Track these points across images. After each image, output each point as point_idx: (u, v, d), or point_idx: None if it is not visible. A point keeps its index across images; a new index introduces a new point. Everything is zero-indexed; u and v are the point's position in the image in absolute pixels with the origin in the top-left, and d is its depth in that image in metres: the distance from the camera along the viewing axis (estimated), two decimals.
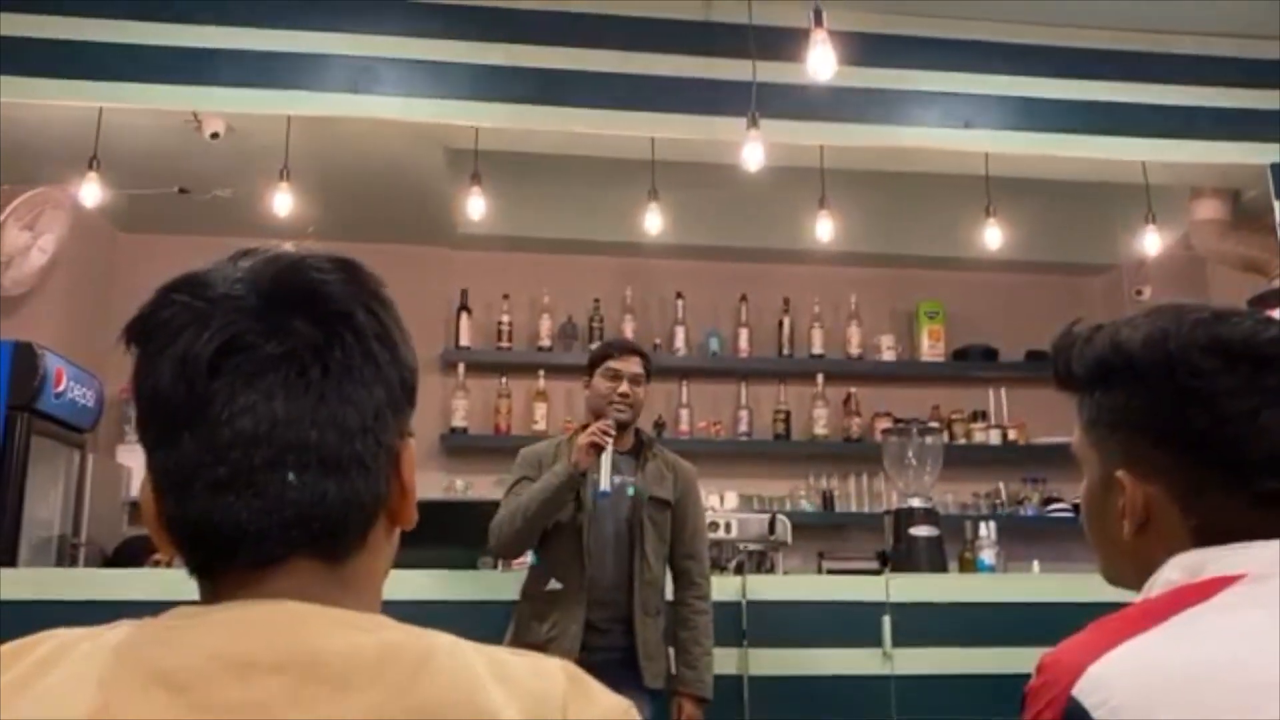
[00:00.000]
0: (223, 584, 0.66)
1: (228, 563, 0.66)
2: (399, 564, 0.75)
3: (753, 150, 3.55)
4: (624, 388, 2.91)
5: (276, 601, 0.64)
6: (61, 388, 3.79)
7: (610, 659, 2.80)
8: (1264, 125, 4.05)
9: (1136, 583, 0.91)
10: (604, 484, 2.79)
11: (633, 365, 2.95)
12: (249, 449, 0.64)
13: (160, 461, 0.66)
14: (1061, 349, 0.99)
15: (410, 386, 0.72)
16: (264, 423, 0.64)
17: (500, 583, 3.27)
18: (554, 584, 2.87)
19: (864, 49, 3.78)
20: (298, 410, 0.65)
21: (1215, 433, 0.87)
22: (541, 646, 2.79)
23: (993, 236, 4.10)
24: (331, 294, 0.68)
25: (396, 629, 0.64)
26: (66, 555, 3.88)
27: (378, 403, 0.68)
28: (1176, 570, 0.87)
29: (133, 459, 4.52)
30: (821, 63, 3.17)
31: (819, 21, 3.16)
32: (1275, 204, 4.03)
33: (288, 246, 0.71)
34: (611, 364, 2.95)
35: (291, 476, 0.64)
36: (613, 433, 2.83)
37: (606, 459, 2.81)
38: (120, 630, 0.64)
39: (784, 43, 3.53)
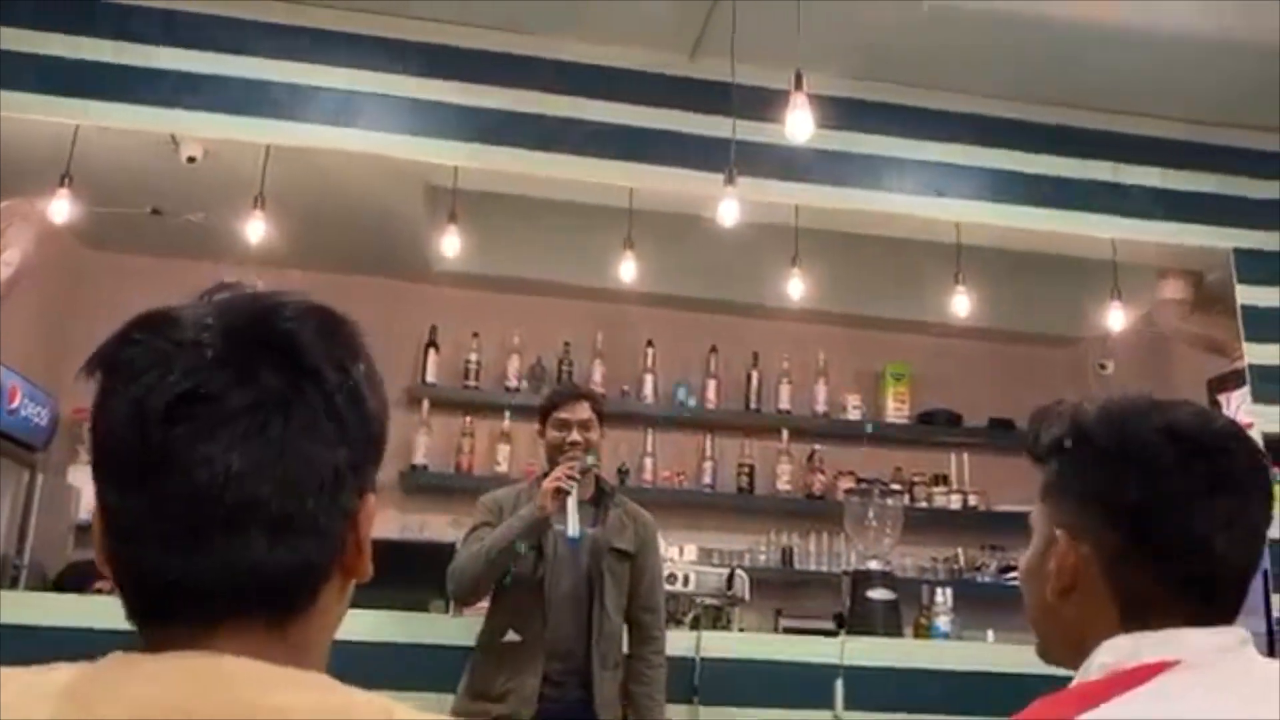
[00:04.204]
0: (162, 634, 0.64)
1: (169, 617, 0.64)
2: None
3: (729, 206, 3.58)
4: (574, 435, 2.90)
5: (214, 654, 0.62)
6: (15, 404, 3.72)
7: (567, 713, 2.76)
8: (1228, 210, 4.14)
9: (1062, 653, 0.95)
10: (572, 529, 2.76)
11: (580, 411, 2.93)
12: (201, 505, 0.62)
13: (111, 502, 0.65)
14: (1034, 423, 1.03)
15: (378, 441, 0.70)
16: (219, 477, 0.62)
17: (451, 628, 3.21)
18: (512, 635, 2.82)
19: (842, 114, 3.84)
20: (254, 465, 0.63)
21: (1146, 506, 0.91)
22: (498, 699, 2.74)
23: (961, 304, 4.15)
24: (302, 346, 0.66)
25: (335, 689, 0.63)
26: (7, 576, 3.78)
27: (338, 463, 0.66)
28: (1109, 654, 0.89)
29: (84, 480, 4.43)
30: (800, 124, 3.21)
31: (799, 84, 3.20)
32: (1237, 287, 4.11)
33: (260, 285, 0.69)
34: (559, 414, 2.93)
35: (242, 538, 0.63)
36: (578, 477, 2.81)
37: (572, 504, 2.79)
38: (60, 674, 0.62)
39: (764, 103, 3.58)
